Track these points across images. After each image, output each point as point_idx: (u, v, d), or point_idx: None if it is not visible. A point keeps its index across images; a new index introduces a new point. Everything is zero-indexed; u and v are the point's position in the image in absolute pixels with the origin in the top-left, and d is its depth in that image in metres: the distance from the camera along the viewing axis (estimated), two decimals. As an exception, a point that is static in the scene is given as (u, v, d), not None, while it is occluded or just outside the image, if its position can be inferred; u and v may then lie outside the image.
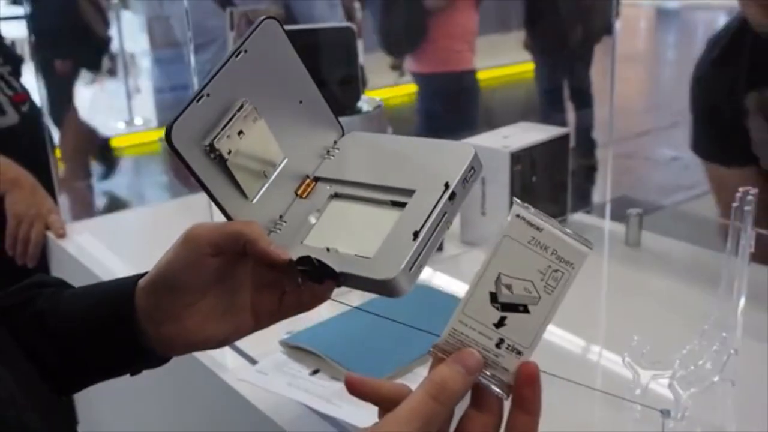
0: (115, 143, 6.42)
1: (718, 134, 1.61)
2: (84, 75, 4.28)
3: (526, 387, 0.61)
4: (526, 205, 0.62)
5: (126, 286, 0.78)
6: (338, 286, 0.72)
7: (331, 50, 1.46)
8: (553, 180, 1.64)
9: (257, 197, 0.75)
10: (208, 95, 0.71)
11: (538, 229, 0.61)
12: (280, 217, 0.75)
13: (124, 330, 0.77)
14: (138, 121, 6.78)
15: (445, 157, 0.72)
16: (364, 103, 1.49)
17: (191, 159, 0.70)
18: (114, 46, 6.01)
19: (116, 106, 6.66)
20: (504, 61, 6.38)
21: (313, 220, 0.75)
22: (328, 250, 0.71)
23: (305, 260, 0.70)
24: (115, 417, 1.62)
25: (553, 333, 1.23)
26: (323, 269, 0.69)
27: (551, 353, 1.21)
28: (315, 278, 0.70)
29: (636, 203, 1.65)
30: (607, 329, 1.30)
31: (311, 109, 0.78)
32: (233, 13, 1.90)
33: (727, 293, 1.05)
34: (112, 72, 6.89)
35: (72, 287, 0.84)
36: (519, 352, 0.61)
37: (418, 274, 0.67)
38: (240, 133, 0.72)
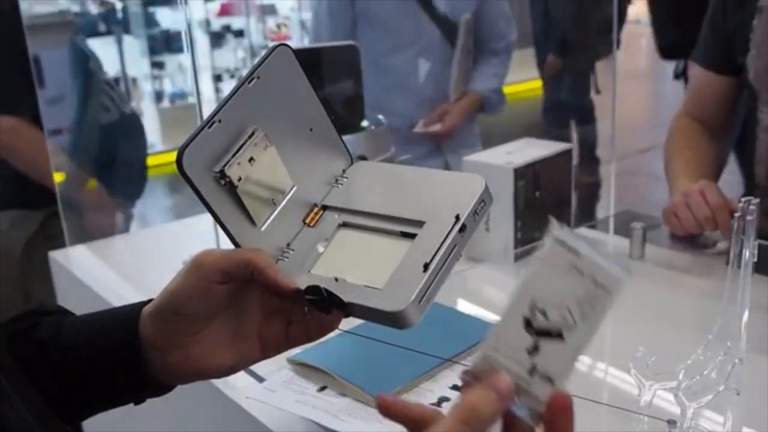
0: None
1: (723, 42, 1.65)
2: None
3: (558, 417, 0.59)
4: (563, 225, 0.60)
5: (130, 314, 0.77)
6: (346, 316, 0.71)
7: (335, 69, 1.47)
8: (557, 195, 1.65)
9: (265, 225, 0.74)
10: (219, 121, 0.71)
11: (577, 253, 0.59)
12: (288, 245, 0.75)
13: (128, 358, 0.76)
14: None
15: (455, 189, 0.72)
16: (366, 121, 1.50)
17: (201, 185, 0.70)
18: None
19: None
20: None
21: (321, 248, 0.75)
22: (336, 279, 0.71)
23: (314, 289, 0.69)
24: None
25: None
26: (331, 299, 0.69)
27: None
28: (322, 308, 0.70)
29: (639, 218, 1.66)
30: (613, 341, 1.30)
31: (321, 137, 0.78)
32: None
33: (731, 303, 1.05)
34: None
35: (72, 315, 0.83)
36: (551, 380, 0.59)
37: (428, 306, 0.67)
38: (251, 160, 0.72)
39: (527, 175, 1.56)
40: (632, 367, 1.01)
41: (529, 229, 1.60)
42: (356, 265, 0.73)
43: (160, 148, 6.73)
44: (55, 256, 1.86)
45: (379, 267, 0.70)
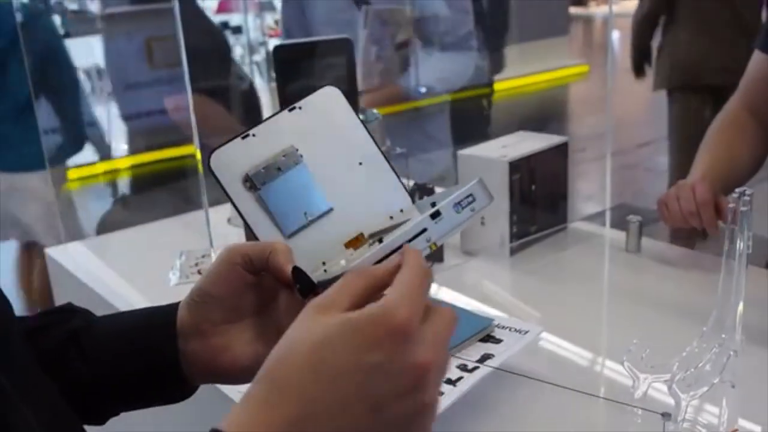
0: (117, 164, 6.44)
1: None
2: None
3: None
4: None
5: (169, 307, 0.78)
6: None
7: (329, 62, 1.47)
8: (553, 189, 1.65)
9: (292, 234, 0.76)
10: (254, 135, 0.75)
11: None
12: (324, 263, 0.76)
13: (167, 353, 0.76)
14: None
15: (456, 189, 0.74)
16: (361, 115, 1.49)
17: (228, 185, 0.74)
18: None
19: (118, 127, 6.66)
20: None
21: (343, 263, 0.76)
22: (323, 263, 0.74)
23: (297, 271, 0.71)
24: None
25: (555, 338, 1.23)
26: (302, 278, 0.70)
27: (553, 358, 1.21)
28: (303, 293, 0.70)
29: (636, 211, 1.65)
30: (609, 334, 1.30)
31: (373, 173, 0.79)
32: (368, 11, 1.95)
33: (726, 295, 1.05)
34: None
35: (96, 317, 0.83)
36: None
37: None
38: (278, 169, 0.75)
39: (522, 169, 1.56)
40: (626, 359, 1.00)
41: (524, 222, 1.59)
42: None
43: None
44: (52, 252, 1.85)
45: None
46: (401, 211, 0.79)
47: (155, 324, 0.77)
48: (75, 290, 1.69)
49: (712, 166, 1.57)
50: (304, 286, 0.70)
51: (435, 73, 2.67)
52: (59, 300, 1.89)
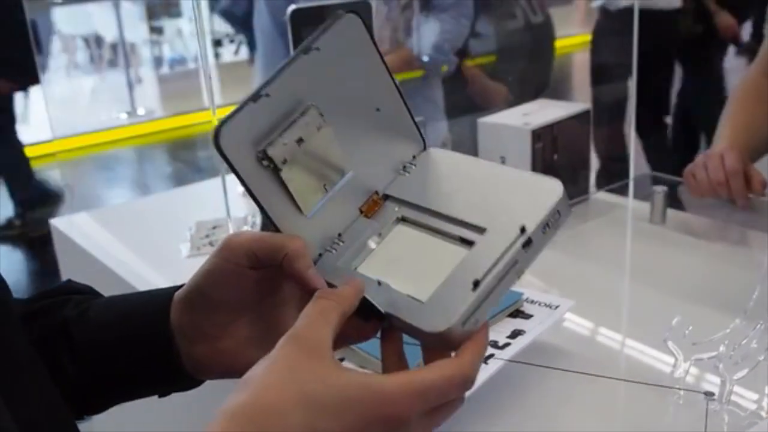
0: (117, 134, 6.41)
1: None
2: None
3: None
4: None
5: (163, 299, 0.71)
6: (384, 326, 0.64)
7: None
8: (574, 158, 1.60)
9: (313, 212, 0.67)
10: (267, 95, 0.63)
11: None
12: (339, 235, 0.68)
13: (157, 347, 0.70)
14: (141, 111, 6.74)
15: (529, 193, 0.64)
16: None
17: (240, 166, 0.62)
18: (113, 35, 5.99)
19: (118, 97, 6.63)
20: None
21: (372, 245, 0.68)
22: (379, 283, 0.64)
23: (363, 302, 0.63)
24: None
25: (578, 315, 1.18)
26: (368, 307, 0.62)
27: (578, 336, 1.16)
28: (359, 314, 0.63)
29: (661, 180, 1.60)
30: (635, 311, 1.25)
31: (390, 119, 0.70)
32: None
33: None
34: (112, 62, 6.87)
35: (102, 296, 0.77)
36: None
37: (475, 328, 0.59)
38: (300, 140, 0.64)
39: (545, 137, 1.51)
40: (668, 337, 0.95)
41: (546, 193, 1.54)
42: (405, 268, 0.66)
43: (159, 114, 6.69)
44: (57, 223, 1.80)
45: (429, 275, 0.63)
46: (414, 157, 0.72)
47: (150, 316, 0.71)
48: (81, 263, 1.64)
49: (737, 135, 1.53)
50: (365, 311, 0.62)
51: (431, 36, 2.62)
52: (65, 274, 1.85)
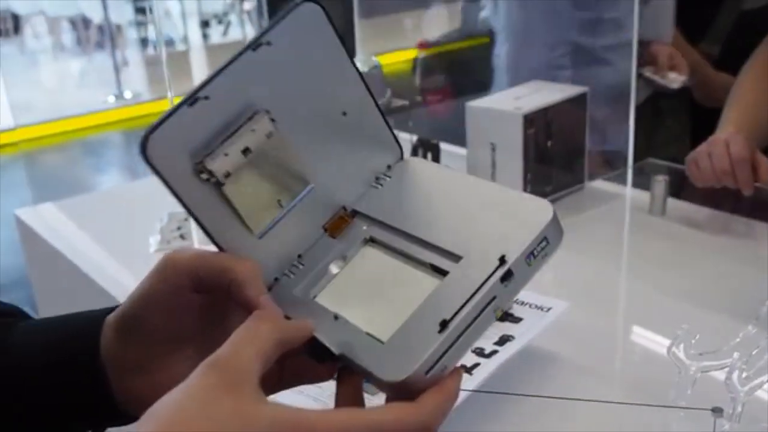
0: (104, 118, 6.32)
1: None
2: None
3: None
4: None
5: (93, 323, 0.61)
6: (340, 366, 0.55)
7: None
8: (570, 145, 1.50)
9: (264, 232, 0.58)
10: (206, 98, 0.53)
11: None
12: (299, 256, 0.59)
13: (86, 375, 0.60)
14: (128, 94, 6.64)
15: (513, 215, 0.55)
16: (360, 63, 1.35)
17: (174, 180, 0.53)
18: (99, 17, 5.88)
19: (104, 79, 6.53)
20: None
21: (335, 269, 0.59)
22: (336, 318, 0.55)
23: (312, 341, 0.54)
24: None
25: (577, 322, 1.09)
26: (321, 347, 0.53)
27: (573, 336, 1.07)
28: (312, 354, 0.55)
29: (661, 169, 1.51)
30: (642, 314, 1.15)
31: (359, 124, 0.61)
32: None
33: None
34: (99, 44, 6.77)
35: (30, 318, 0.67)
36: None
37: (440, 376, 0.50)
38: (246, 150, 0.55)
39: (538, 123, 1.42)
40: (674, 345, 0.86)
41: (539, 182, 1.45)
42: (368, 299, 0.57)
43: (147, 97, 6.59)
44: (21, 214, 1.71)
45: (393, 309, 0.53)
46: (388, 167, 0.63)
47: (77, 340, 0.61)
48: (45, 256, 1.55)
49: (744, 117, 1.44)
50: (318, 351, 0.53)
51: None
52: (29, 266, 1.75)
